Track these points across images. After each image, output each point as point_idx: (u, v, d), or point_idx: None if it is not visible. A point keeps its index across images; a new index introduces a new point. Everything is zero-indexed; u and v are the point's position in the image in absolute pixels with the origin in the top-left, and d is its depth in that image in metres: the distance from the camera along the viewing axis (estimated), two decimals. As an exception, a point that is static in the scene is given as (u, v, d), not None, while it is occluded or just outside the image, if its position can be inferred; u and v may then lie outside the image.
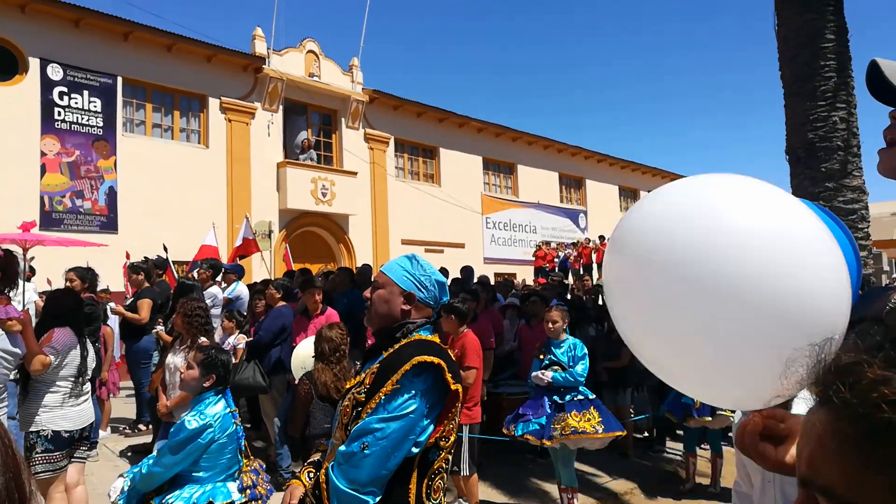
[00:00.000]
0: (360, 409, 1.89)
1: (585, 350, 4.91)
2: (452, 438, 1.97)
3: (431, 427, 1.88)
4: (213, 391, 3.23)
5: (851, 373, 0.48)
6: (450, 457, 1.99)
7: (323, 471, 1.89)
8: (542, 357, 4.95)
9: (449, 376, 1.88)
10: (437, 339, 2.02)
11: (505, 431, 4.98)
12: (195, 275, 7.81)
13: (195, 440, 2.99)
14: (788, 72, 6.89)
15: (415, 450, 1.85)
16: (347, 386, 2.08)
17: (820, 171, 6.52)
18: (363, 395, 1.90)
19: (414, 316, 2.03)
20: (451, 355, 1.99)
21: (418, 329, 2.01)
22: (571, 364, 4.79)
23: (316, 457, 2.14)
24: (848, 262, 1.01)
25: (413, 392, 1.83)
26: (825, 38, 6.59)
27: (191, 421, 3.02)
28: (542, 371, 4.81)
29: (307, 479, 2.01)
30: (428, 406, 1.86)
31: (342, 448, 1.86)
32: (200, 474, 3.04)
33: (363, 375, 1.99)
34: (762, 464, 0.90)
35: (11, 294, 5.02)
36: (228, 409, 3.20)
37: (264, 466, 3.46)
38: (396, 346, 1.95)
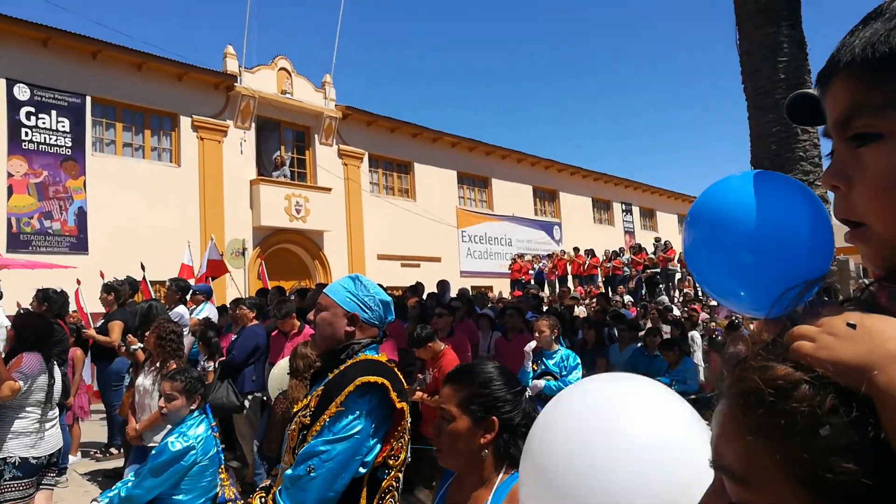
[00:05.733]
0: (305, 432, 1.88)
1: (578, 360, 5.14)
2: (402, 457, 1.96)
3: (378, 447, 1.89)
4: (198, 411, 3.20)
5: (740, 367, 0.55)
6: (400, 475, 1.98)
7: (270, 496, 1.88)
8: (535, 367, 5.10)
9: (394, 395, 1.88)
10: (383, 359, 2.02)
11: None
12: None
13: (178, 462, 2.95)
14: (750, 85, 7.05)
15: (362, 470, 1.85)
16: (294, 410, 2.06)
17: (783, 182, 6.69)
18: (308, 419, 1.90)
19: (358, 336, 2.02)
20: (398, 373, 1.99)
21: (363, 349, 2.00)
22: (564, 374, 4.95)
23: (267, 482, 2.13)
24: (802, 231, 1.09)
25: (358, 413, 1.83)
26: (784, 52, 6.77)
27: (174, 443, 2.98)
28: (536, 381, 4.99)
29: None
30: (374, 426, 1.86)
31: (289, 472, 1.85)
32: (180, 497, 2.99)
33: (309, 398, 1.98)
34: None
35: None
36: (210, 431, 3.17)
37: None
38: (342, 368, 1.94)
